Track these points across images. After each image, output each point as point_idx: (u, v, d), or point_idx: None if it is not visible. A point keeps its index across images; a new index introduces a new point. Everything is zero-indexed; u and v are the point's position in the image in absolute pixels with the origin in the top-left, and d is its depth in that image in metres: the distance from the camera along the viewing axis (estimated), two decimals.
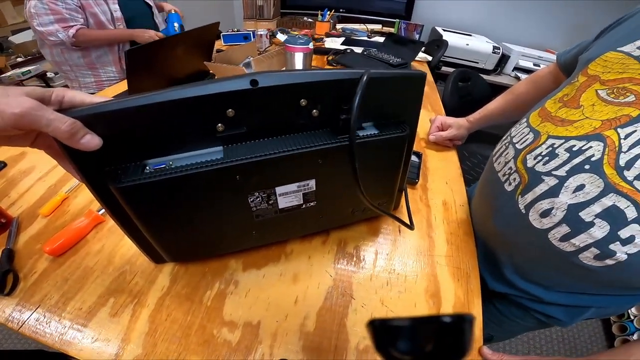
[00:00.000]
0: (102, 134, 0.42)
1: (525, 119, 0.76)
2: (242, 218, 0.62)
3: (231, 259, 0.74)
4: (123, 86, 1.68)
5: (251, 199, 0.58)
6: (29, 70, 2.98)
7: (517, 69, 2.83)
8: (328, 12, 2.56)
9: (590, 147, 0.57)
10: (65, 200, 0.87)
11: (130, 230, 0.57)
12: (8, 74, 2.89)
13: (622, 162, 0.53)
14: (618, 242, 0.54)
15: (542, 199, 0.62)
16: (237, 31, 2.27)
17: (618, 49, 0.64)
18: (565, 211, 0.59)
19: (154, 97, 0.43)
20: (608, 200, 0.54)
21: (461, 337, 0.32)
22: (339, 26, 2.79)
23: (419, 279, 0.74)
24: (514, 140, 0.73)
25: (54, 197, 0.86)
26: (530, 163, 0.66)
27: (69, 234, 0.75)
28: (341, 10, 3.08)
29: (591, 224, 0.56)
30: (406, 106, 0.62)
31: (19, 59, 3.10)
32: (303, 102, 0.51)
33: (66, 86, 1.77)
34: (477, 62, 2.80)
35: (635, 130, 0.53)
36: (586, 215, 0.56)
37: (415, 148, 0.85)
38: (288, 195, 0.61)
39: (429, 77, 1.66)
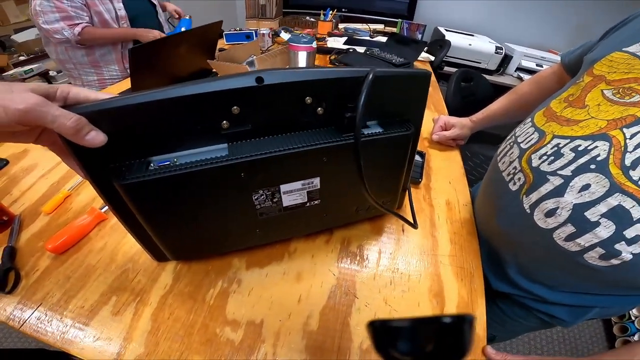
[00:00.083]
0: (107, 130, 0.41)
1: (529, 119, 0.76)
2: (246, 216, 0.61)
3: (234, 258, 0.74)
4: (125, 84, 1.68)
5: (255, 197, 0.57)
6: (31, 68, 2.99)
7: (520, 69, 2.82)
8: (330, 12, 2.56)
9: (596, 146, 0.57)
10: (68, 198, 0.87)
11: (134, 228, 0.57)
12: (10, 72, 2.89)
13: (627, 162, 0.53)
14: (623, 242, 0.54)
15: (547, 199, 0.62)
16: (239, 30, 2.26)
17: (623, 49, 0.64)
18: (570, 211, 0.59)
19: (159, 93, 0.42)
20: (614, 200, 0.53)
21: (461, 337, 0.32)
22: (341, 26, 2.79)
23: (423, 279, 0.73)
24: (519, 140, 0.73)
25: (56, 195, 0.86)
26: (535, 163, 0.66)
27: (72, 232, 0.75)
28: (343, 10, 3.09)
29: (597, 224, 0.56)
30: (411, 105, 0.62)
31: (22, 58, 3.10)
32: (308, 99, 0.51)
33: (69, 84, 1.77)
34: (480, 62, 2.80)
35: None
36: (592, 215, 0.56)
37: (418, 147, 0.85)
38: (292, 194, 0.60)
39: (432, 77, 1.68)
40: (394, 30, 2.97)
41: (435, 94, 1.64)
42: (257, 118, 0.51)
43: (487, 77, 2.52)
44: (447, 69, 2.75)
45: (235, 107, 0.47)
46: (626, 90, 0.59)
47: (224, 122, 0.48)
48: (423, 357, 0.32)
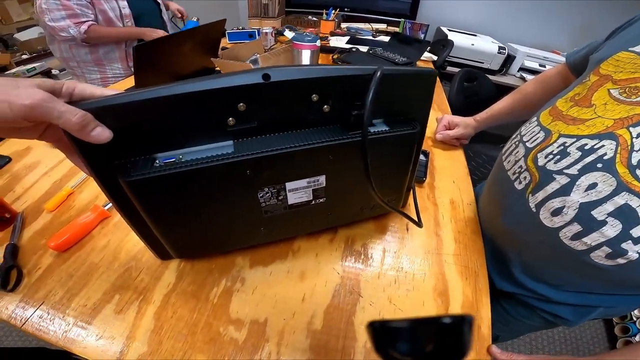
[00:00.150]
0: (113, 126, 0.41)
1: (535, 118, 0.75)
2: (251, 214, 0.61)
3: (238, 256, 0.74)
4: (129, 83, 1.69)
5: (261, 195, 0.57)
6: (33, 67, 3.00)
7: (523, 69, 2.81)
8: (333, 11, 2.56)
9: (603, 145, 0.57)
10: (71, 196, 0.87)
11: (137, 225, 0.57)
12: (13, 70, 2.90)
13: (634, 161, 0.53)
14: (630, 241, 0.54)
15: (553, 198, 0.62)
16: (242, 29, 2.26)
17: (630, 49, 0.64)
18: (577, 210, 0.58)
19: (166, 90, 0.42)
20: (620, 199, 0.53)
21: (461, 338, 0.32)
22: (343, 25, 2.79)
23: (427, 278, 0.73)
24: (524, 139, 0.73)
25: (59, 192, 0.86)
26: (541, 162, 0.66)
27: (74, 230, 0.74)
28: (346, 9, 3.08)
29: (603, 223, 0.55)
30: (417, 103, 0.61)
31: (24, 56, 3.11)
32: (314, 97, 0.51)
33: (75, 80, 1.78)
34: (483, 62, 2.79)
35: None
36: (598, 213, 0.56)
37: None
38: (298, 191, 0.60)
39: None
40: (397, 29, 2.96)
41: (438, 94, 1.64)
42: (263, 115, 0.50)
43: (490, 77, 2.50)
44: (449, 68, 2.73)
45: (241, 103, 0.47)
46: (633, 90, 0.59)
47: (230, 119, 0.48)
48: (423, 358, 0.32)
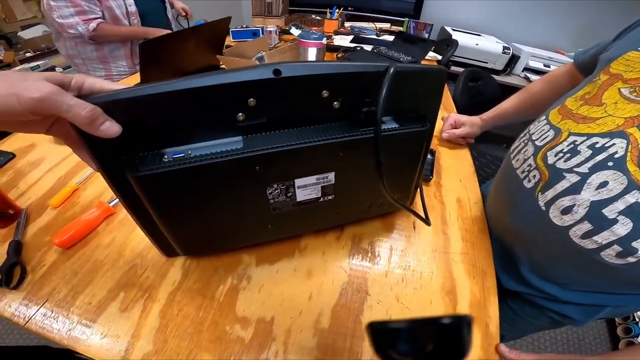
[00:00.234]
0: (121, 121, 0.41)
1: (544, 117, 0.75)
2: (260, 210, 0.61)
3: (244, 254, 0.73)
4: (133, 80, 1.68)
5: (269, 191, 0.57)
6: (37, 65, 2.99)
7: (527, 69, 2.80)
8: (337, 10, 2.55)
9: (614, 144, 0.57)
10: (76, 192, 0.86)
11: (144, 221, 0.56)
12: (17, 68, 2.90)
13: None
14: None
15: (563, 196, 0.62)
16: (246, 27, 2.26)
17: (639, 48, 0.65)
18: (587, 208, 0.58)
19: (177, 84, 0.42)
20: (631, 197, 0.53)
21: (460, 338, 0.32)
22: (347, 24, 2.78)
23: (435, 276, 0.73)
24: (534, 138, 0.73)
25: (64, 188, 0.85)
26: (551, 160, 0.65)
27: (79, 226, 0.74)
28: (349, 8, 3.07)
29: (614, 221, 0.55)
30: (427, 101, 0.61)
31: (28, 54, 3.11)
32: (325, 93, 0.50)
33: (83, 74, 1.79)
34: (487, 62, 2.78)
35: None
36: (609, 212, 0.56)
37: None
38: (307, 188, 0.60)
39: None
40: (400, 29, 2.95)
41: (444, 93, 1.63)
42: (273, 111, 0.50)
43: (494, 77, 2.50)
44: (453, 68, 2.73)
45: (251, 99, 0.46)
46: None
47: (240, 114, 0.48)
48: (423, 359, 0.32)
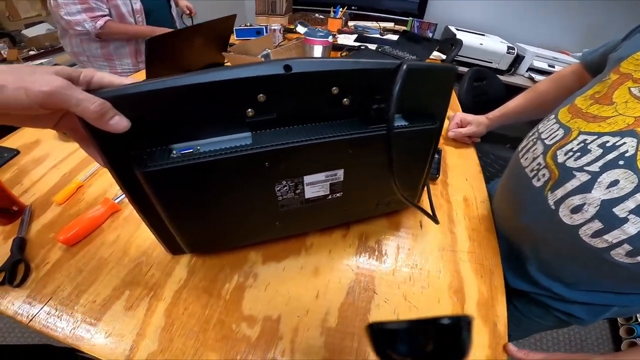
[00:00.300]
0: (130, 116, 0.40)
1: (553, 116, 0.75)
2: (268, 207, 0.60)
3: (250, 252, 0.73)
4: (138, 77, 1.66)
5: (278, 188, 0.57)
6: (41, 63, 2.99)
7: (532, 69, 2.79)
8: (340, 9, 2.55)
9: (624, 143, 0.57)
10: (80, 189, 0.86)
11: (151, 218, 0.56)
12: None
13: None
14: None
15: (573, 195, 0.62)
16: (250, 26, 2.26)
17: None
18: (598, 207, 0.58)
19: (188, 78, 0.41)
20: None
21: (460, 338, 0.32)
22: (350, 23, 2.77)
23: (442, 275, 0.72)
24: (543, 136, 0.73)
25: (68, 185, 0.85)
26: (560, 159, 0.65)
27: (84, 223, 0.74)
28: (353, 7, 3.07)
29: (625, 220, 0.55)
30: (436, 99, 0.61)
31: (32, 52, 3.10)
32: (335, 90, 0.50)
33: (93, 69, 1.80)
34: (491, 62, 2.77)
35: None
36: (620, 211, 0.55)
37: None
38: (315, 185, 0.60)
39: None
40: (404, 28, 2.95)
41: None
42: (283, 107, 0.49)
43: (499, 77, 2.50)
44: (458, 68, 2.72)
45: (261, 94, 0.46)
46: None
47: (249, 109, 0.47)
48: (423, 359, 0.32)
